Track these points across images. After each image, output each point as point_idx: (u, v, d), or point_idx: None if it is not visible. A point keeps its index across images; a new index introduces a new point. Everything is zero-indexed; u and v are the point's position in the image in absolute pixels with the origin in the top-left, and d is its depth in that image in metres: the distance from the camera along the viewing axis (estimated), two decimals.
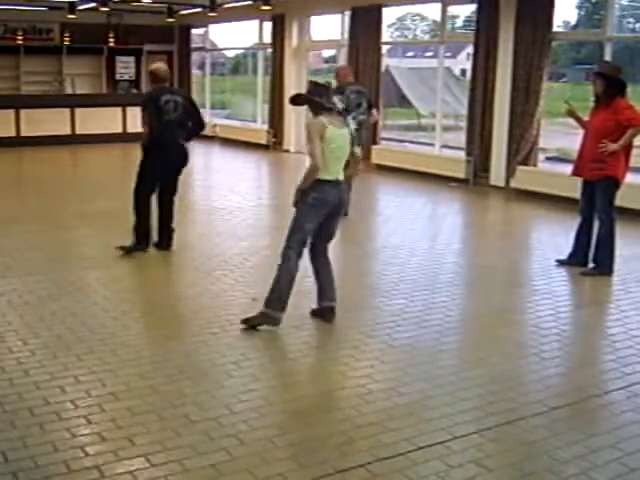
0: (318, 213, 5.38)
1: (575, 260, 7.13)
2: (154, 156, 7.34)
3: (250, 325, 5.40)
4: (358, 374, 4.66)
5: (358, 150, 5.68)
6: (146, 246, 7.55)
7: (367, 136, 10.22)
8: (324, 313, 5.62)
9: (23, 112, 16.19)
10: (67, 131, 16.56)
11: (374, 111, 9.77)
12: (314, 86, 5.49)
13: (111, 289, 6.45)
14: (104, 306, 5.91)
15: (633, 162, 7.16)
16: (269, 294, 5.43)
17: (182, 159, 7.52)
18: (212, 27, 19.67)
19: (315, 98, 5.34)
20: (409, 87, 19.77)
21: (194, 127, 7.55)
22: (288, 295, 5.42)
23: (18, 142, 15.88)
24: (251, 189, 12.64)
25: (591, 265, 7.06)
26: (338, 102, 5.41)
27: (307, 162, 5.40)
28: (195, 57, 20.40)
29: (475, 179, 12.02)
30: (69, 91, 18.80)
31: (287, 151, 16.34)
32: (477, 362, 4.93)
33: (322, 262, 5.65)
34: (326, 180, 5.31)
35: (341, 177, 5.43)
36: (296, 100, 5.56)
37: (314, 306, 5.70)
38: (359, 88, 9.63)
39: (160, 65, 7.75)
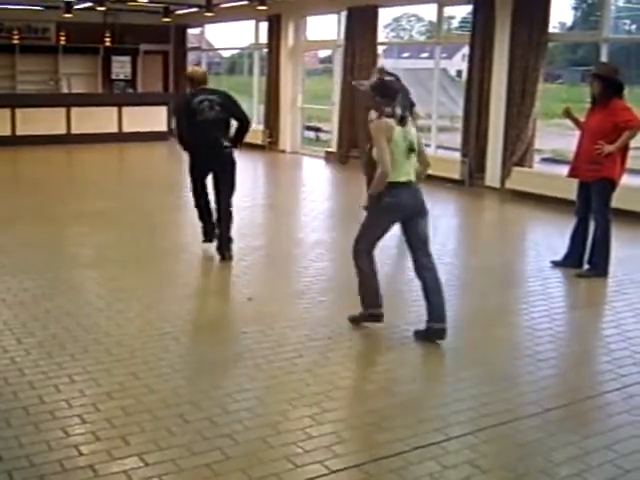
0: (390, 217, 5.19)
1: (570, 261, 7.14)
2: (194, 157, 7.30)
3: (354, 322, 5.40)
4: (352, 374, 4.66)
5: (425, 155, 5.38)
6: (209, 239, 7.51)
7: None
8: (429, 335, 5.19)
9: (19, 111, 16.15)
10: (63, 130, 16.53)
11: (415, 110, 9.46)
12: (379, 84, 5.23)
13: (106, 288, 6.44)
14: (98, 305, 5.91)
15: (629, 164, 7.17)
16: (361, 299, 5.34)
17: (223, 160, 7.21)
18: (208, 27, 19.66)
19: (376, 98, 5.09)
20: None
21: (240, 126, 7.35)
22: (377, 290, 5.33)
23: (13, 141, 15.83)
24: (246, 189, 12.61)
25: (586, 266, 7.07)
26: (397, 109, 5.04)
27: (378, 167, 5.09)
28: (191, 57, 20.38)
29: (470, 180, 12.03)
30: (65, 90, 18.78)
31: (283, 151, 16.34)
32: (472, 363, 4.93)
33: (427, 276, 5.27)
34: (398, 182, 5.07)
35: (413, 178, 5.17)
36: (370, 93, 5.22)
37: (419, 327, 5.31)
38: (405, 89, 9.33)
39: (196, 68, 7.73)
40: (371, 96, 5.15)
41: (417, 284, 5.37)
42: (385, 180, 5.03)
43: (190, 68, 7.73)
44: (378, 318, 5.35)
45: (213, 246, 7.43)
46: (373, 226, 5.23)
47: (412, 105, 9.26)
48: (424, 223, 5.26)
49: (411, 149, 5.09)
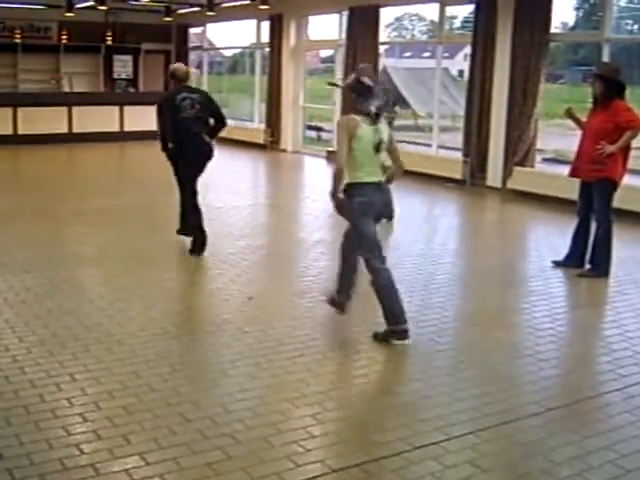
0: (369, 215, 5.15)
1: (572, 261, 7.13)
2: (180, 154, 7.39)
3: (380, 339, 5.15)
4: (354, 374, 4.66)
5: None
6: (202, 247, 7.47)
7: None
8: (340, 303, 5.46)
9: (20, 110, 16.15)
10: (64, 129, 16.53)
11: (397, 108, 9.56)
12: (356, 83, 5.29)
13: (107, 287, 6.44)
14: (100, 304, 5.91)
15: (631, 164, 7.16)
16: (386, 313, 5.15)
17: (207, 152, 7.49)
18: (210, 26, 19.66)
19: (352, 95, 5.17)
20: (406, 87, 19.79)
21: (216, 124, 7.59)
22: (399, 302, 5.15)
23: (15, 140, 15.84)
24: (248, 188, 12.64)
25: (588, 266, 7.06)
26: (372, 107, 5.06)
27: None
28: (193, 56, 20.39)
29: (472, 180, 12.02)
30: (66, 89, 18.79)
31: (284, 150, 16.33)
32: (473, 363, 4.93)
33: (350, 260, 5.43)
34: (366, 182, 5.09)
35: (382, 178, 5.20)
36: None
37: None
38: (385, 87, 9.50)
39: (179, 65, 7.92)
40: (348, 94, 5.26)
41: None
42: (340, 176, 5.02)
43: (174, 65, 7.91)
44: (403, 335, 5.11)
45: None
46: (361, 229, 5.17)
47: (393, 104, 9.35)
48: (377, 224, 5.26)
49: (378, 148, 5.09)
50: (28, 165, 14.62)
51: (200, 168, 7.53)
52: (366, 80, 5.31)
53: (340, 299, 5.51)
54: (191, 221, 7.57)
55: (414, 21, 21.82)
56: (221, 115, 7.62)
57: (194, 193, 7.55)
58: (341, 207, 5.13)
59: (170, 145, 7.39)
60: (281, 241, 8.45)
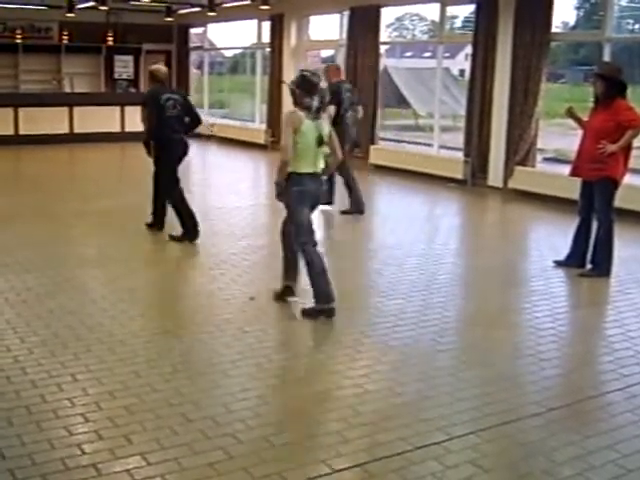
0: (306, 203, 5.58)
1: (573, 261, 7.13)
2: (165, 150, 7.91)
3: (307, 316, 5.60)
4: (355, 374, 4.66)
5: (339, 152, 5.85)
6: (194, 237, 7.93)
7: (361, 133, 10.32)
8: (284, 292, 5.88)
9: (21, 110, 16.17)
10: (65, 130, 16.55)
11: (360, 107, 9.93)
12: (302, 79, 5.57)
13: (109, 288, 6.45)
14: (102, 305, 5.91)
15: (632, 163, 7.16)
16: (318, 293, 5.59)
17: (184, 149, 8.09)
18: (211, 26, 19.66)
19: (297, 91, 5.51)
20: (407, 87, 19.77)
21: (191, 122, 8.16)
22: (330, 283, 5.60)
23: (16, 140, 15.86)
24: (249, 189, 12.64)
25: (589, 266, 7.06)
26: (315, 102, 5.47)
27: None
28: (194, 56, 20.41)
29: (473, 180, 12.02)
30: (67, 90, 18.80)
31: None
32: (474, 362, 4.93)
33: (291, 245, 5.79)
34: (304, 173, 5.50)
35: (319, 170, 5.59)
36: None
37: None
38: (350, 87, 9.82)
39: (160, 66, 8.40)
40: (292, 90, 5.55)
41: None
42: (285, 167, 5.47)
43: (154, 65, 8.61)
44: (332, 312, 5.59)
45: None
46: (297, 216, 5.59)
47: (356, 103, 9.68)
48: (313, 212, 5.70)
49: (319, 141, 5.49)
50: (29, 165, 14.62)
51: (179, 163, 8.13)
52: (311, 77, 5.60)
53: (287, 283, 5.91)
54: (183, 209, 7.99)
55: (415, 21, 21.82)
56: (198, 116, 8.26)
57: (178, 182, 8.05)
58: (281, 195, 5.62)
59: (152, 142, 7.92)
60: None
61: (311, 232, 5.62)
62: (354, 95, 9.73)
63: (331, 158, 5.77)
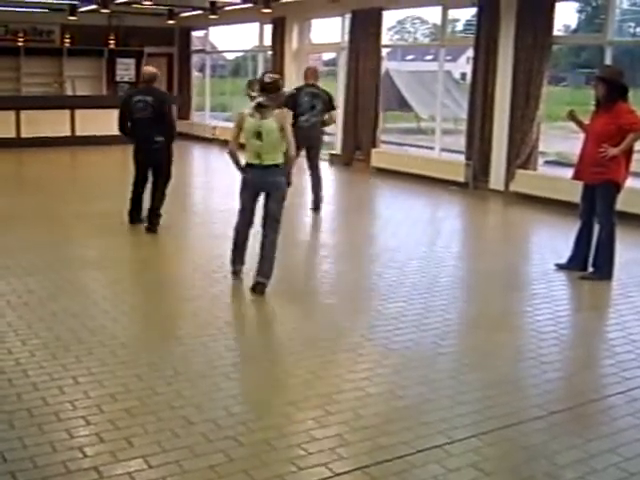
0: (246, 188, 6.36)
1: (574, 264, 7.12)
2: (134, 150, 8.57)
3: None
4: (356, 377, 4.66)
5: (292, 148, 6.32)
6: (130, 220, 8.64)
7: (321, 138, 10.45)
8: (254, 287, 6.22)
9: (23, 113, 16.19)
10: (67, 132, 16.57)
11: (333, 112, 10.15)
12: (260, 82, 6.44)
13: (111, 290, 6.45)
14: (104, 307, 5.91)
15: (634, 167, 7.16)
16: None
17: (154, 156, 8.41)
18: (212, 29, 19.67)
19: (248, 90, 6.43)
20: (409, 90, 19.79)
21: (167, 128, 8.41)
22: (242, 250, 6.57)
23: (18, 143, 15.88)
24: None
25: (591, 269, 7.06)
26: (259, 98, 6.21)
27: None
28: (195, 59, 20.41)
29: (475, 183, 12.01)
30: (69, 93, 18.79)
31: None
32: (476, 366, 4.93)
33: (265, 241, 6.31)
34: (248, 164, 6.26)
35: (266, 162, 6.17)
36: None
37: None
38: (314, 91, 9.91)
39: (146, 68, 8.80)
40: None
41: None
42: (231, 156, 6.36)
43: (144, 67, 8.61)
44: (235, 274, 6.56)
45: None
46: (240, 197, 6.47)
47: (330, 108, 9.82)
48: (274, 202, 6.30)
49: (259, 136, 6.11)
50: (31, 168, 14.64)
51: (151, 166, 8.63)
52: (265, 78, 6.36)
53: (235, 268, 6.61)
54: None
55: (416, 24, 21.83)
56: (167, 120, 8.48)
57: (137, 181, 8.82)
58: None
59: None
60: (284, 244, 8.44)
61: (243, 212, 6.46)
62: (318, 99, 9.84)
63: (287, 154, 6.30)
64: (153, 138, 8.24)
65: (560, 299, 6.51)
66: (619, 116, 6.64)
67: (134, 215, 8.72)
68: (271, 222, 6.30)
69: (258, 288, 6.16)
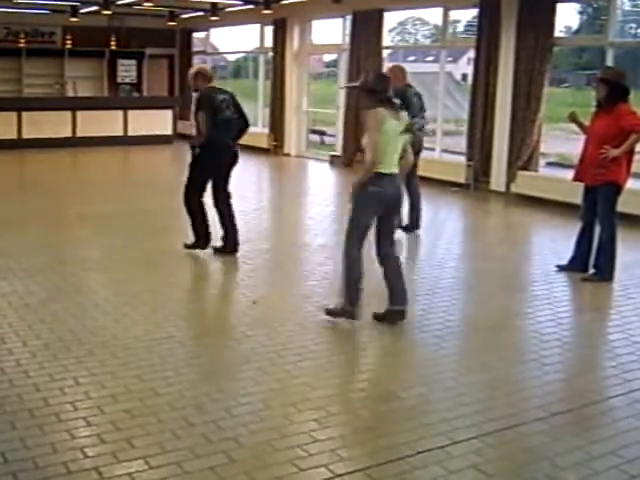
0: (376, 207, 5.37)
1: (576, 265, 7.12)
2: (208, 156, 7.33)
3: (330, 315, 5.54)
4: (358, 378, 4.66)
5: (410, 152, 5.59)
6: (204, 245, 7.50)
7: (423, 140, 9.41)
8: (390, 316, 5.55)
9: (25, 114, 16.19)
10: (68, 134, 16.57)
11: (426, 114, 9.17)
12: (376, 77, 5.49)
13: (112, 291, 6.45)
14: (105, 308, 5.91)
15: (635, 168, 7.16)
16: (343, 291, 5.52)
17: (235, 157, 7.53)
18: (213, 31, 19.70)
19: (376, 88, 5.29)
20: None
21: (242, 126, 7.61)
22: (357, 290, 5.48)
23: (20, 144, 15.88)
24: (252, 193, 12.63)
25: (592, 271, 7.05)
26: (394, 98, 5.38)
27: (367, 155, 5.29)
28: (196, 61, 20.37)
29: (476, 184, 12.02)
30: (71, 94, 18.80)
31: (288, 155, 16.34)
32: (477, 367, 4.92)
33: (389, 264, 5.60)
34: (384, 173, 5.27)
35: (397, 170, 5.38)
36: (362, 87, 5.44)
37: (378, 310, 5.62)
38: (418, 91, 8.94)
39: (205, 66, 7.88)
40: (371, 89, 5.32)
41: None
42: (373, 168, 5.23)
43: (199, 65, 8.35)
44: (353, 316, 5.51)
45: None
46: (360, 217, 5.41)
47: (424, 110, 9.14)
48: (398, 216, 5.69)
49: (399, 144, 5.33)
50: (32, 169, 14.65)
51: (223, 173, 7.60)
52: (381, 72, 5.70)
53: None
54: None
55: (417, 25, 21.79)
56: (246, 118, 7.72)
57: (201, 193, 7.61)
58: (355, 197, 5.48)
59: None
60: (285, 245, 8.45)
61: (363, 239, 5.49)
62: (422, 101, 8.88)
63: (404, 160, 5.51)
64: (231, 141, 7.48)
65: (561, 300, 6.51)
66: (620, 117, 6.63)
67: (207, 234, 7.59)
68: (393, 239, 5.63)
69: (401, 317, 5.56)
